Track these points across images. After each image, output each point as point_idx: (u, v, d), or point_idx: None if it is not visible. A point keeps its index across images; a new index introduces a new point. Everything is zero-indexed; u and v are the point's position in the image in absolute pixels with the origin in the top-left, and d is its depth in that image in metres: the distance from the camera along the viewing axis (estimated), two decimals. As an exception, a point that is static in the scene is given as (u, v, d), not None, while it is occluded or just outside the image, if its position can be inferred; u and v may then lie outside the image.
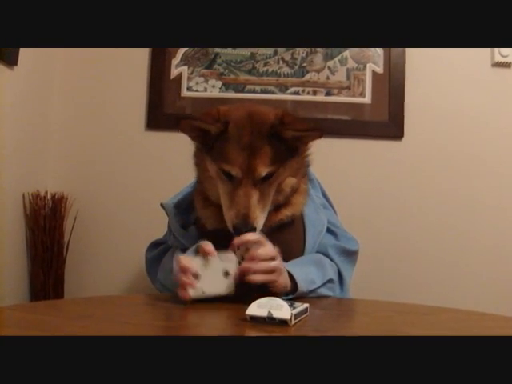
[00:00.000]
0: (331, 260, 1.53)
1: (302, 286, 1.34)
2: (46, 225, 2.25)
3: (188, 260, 1.27)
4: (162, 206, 1.64)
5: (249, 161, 1.33)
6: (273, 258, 1.27)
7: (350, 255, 1.59)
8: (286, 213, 1.46)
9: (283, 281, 1.30)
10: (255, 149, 1.34)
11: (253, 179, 1.34)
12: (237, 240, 1.26)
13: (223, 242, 1.34)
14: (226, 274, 1.25)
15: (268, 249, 1.28)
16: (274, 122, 1.37)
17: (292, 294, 1.34)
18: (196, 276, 1.23)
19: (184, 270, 1.24)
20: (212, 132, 1.38)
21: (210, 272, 1.25)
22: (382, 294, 2.19)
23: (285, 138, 1.37)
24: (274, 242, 1.34)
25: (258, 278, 1.24)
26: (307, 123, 1.43)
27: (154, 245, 1.72)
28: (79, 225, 2.38)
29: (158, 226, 1.72)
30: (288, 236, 1.48)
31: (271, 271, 1.26)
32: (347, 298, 1.59)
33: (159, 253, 1.65)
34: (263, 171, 1.34)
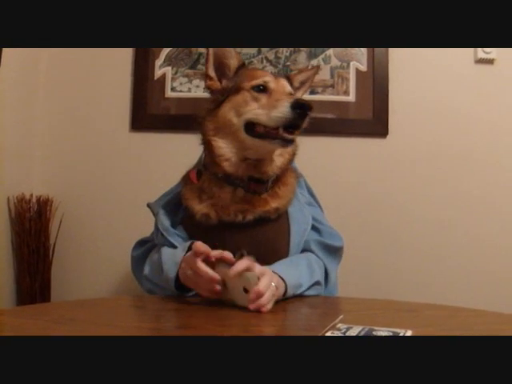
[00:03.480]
0: (316, 256, 1.54)
1: (289, 292, 1.35)
2: (32, 228, 2.25)
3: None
4: (148, 206, 1.64)
5: (275, 77, 1.49)
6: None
7: (334, 251, 1.59)
8: (271, 204, 1.47)
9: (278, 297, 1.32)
10: (276, 74, 1.58)
11: (283, 90, 1.47)
12: (236, 268, 1.25)
13: (214, 239, 1.34)
14: (245, 290, 1.25)
15: (266, 280, 1.26)
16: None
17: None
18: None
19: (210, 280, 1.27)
20: (232, 64, 1.52)
21: (232, 284, 1.26)
22: (370, 289, 2.22)
23: (293, 86, 1.58)
24: (259, 240, 1.35)
25: (267, 309, 1.24)
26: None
27: (140, 243, 1.71)
28: (65, 227, 2.37)
29: (144, 228, 1.72)
30: (272, 234, 1.48)
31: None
32: (334, 295, 1.60)
33: (145, 251, 1.65)
34: (288, 87, 1.50)
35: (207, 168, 1.50)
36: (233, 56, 1.51)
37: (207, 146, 1.49)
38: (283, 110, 1.34)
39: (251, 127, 1.42)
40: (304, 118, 1.35)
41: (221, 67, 1.51)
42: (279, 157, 1.49)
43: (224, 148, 1.45)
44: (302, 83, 1.64)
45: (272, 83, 1.45)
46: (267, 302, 1.22)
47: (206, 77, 1.52)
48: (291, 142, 1.38)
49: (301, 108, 1.33)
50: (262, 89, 1.44)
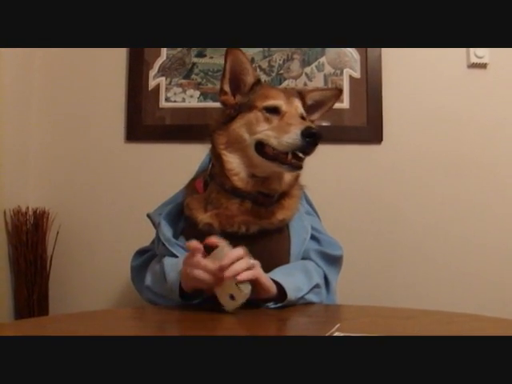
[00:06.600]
0: (316, 265, 1.54)
1: (291, 295, 1.35)
2: (29, 240, 2.25)
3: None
4: (148, 216, 1.64)
5: (288, 98, 1.48)
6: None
7: (334, 260, 1.59)
8: (278, 216, 1.48)
9: (266, 279, 1.32)
10: (290, 93, 1.54)
11: (295, 113, 1.47)
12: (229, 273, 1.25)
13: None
14: (232, 297, 1.26)
15: (236, 252, 1.27)
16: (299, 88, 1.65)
17: (281, 302, 1.35)
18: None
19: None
20: (248, 81, 1.51)
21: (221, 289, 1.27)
22: (367, 295, 2.22)
23: (306, 104, 1.57)
24: (260, 250, 1.37)
25: (244, 276, 1.24)
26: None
27: (140, 253, 1.71)
28: (62, 239, 2.37)
29: (141, 238, 1.72)
30: (274, 245, 1.49)
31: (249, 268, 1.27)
32: (334, 303, 1.60)
33: (145, 260, 1.65)
34: (300, 109, 1.50)
35: (214, 178, 1.50)
36: (249, 73, 1.51)
37: (217, 158, 1.49)
38: (293, 136, 1.35)
39: (261, 147, 1.43)
40: (314, 147, 1.36)
41: (236, 82, 1.51)
42: (287, 175, 1.50)
43: (233, 163, 1.46)
44: (318, 103, 1.63)
45: (284, 105, 1.45)
46: (238, 270, 1.24)
47: (221, 91, 1.52)
48: (299, 168, 1.40)
49: (311, 136, 1.34)
50: (274, 110, 1.44)
